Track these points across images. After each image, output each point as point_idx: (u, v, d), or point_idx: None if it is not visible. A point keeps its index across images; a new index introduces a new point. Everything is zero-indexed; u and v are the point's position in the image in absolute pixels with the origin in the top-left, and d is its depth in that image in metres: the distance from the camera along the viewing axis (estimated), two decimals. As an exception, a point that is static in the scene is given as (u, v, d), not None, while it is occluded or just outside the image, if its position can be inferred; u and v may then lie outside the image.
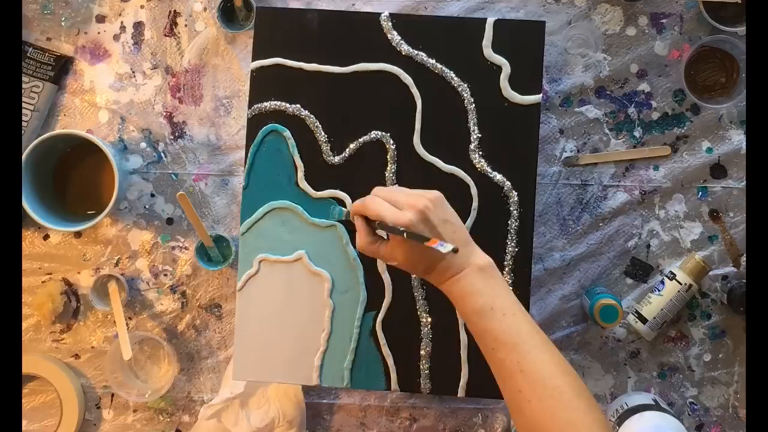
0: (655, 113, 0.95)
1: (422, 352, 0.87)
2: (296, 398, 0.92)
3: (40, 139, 0.88)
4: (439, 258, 0.67)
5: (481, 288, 0.66)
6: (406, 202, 0.67)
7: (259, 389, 0.92)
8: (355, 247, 0.86)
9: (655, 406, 0.88)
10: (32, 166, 0.89)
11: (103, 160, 0.89)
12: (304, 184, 0.87)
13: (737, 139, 0.94)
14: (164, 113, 0.96)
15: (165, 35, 0.96)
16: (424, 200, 0.67)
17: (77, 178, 0.95)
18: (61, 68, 0.95)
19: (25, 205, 0.87)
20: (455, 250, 0.62)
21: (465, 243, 0.68)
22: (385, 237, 0.73)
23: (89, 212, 0.93)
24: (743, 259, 0.94)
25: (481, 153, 0.87)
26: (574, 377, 0.64)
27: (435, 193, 0.69)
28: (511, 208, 0.87)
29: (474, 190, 0.87)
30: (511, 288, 0.70)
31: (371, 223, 0.72)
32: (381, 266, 0.87)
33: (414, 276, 0.87)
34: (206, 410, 0.91)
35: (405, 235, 0.65)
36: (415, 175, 0.87)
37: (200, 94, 0.96)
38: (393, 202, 0.68)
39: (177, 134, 0.96)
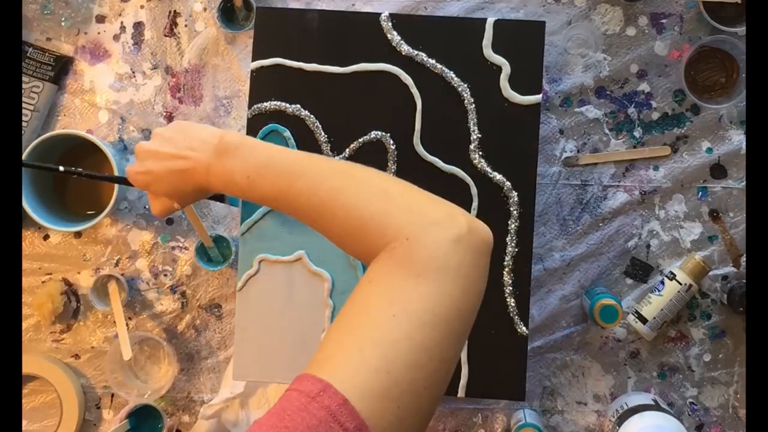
0: (655, 113, 0.95)
1: (422, 352, 0.87)
2: (296, 398, 0.92)
3: (40, 139, 0.88)
4: (182, 174, 0.66)
5: (243, 155, 0.61)
6: (136, 151, 0.69)
7: (259, 389, 0.92)
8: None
9: (655, 407, 0.88)
10: (32, 166, 0.89)
11: (103, 160, 0.89)
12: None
13: (737, 139, 0.94)
14: (164, 113, 0.96)
15: (165, 35, 0.96)
16: (146, 143, 0.69)
17: (77, 178, 0.95)
18: (61, 68, 0.95)
19: (25, 205, 0.87)
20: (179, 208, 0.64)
21: (203, 141, 0.65)
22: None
23: (89, 212, 0.93)
24: (743, 259, 0.94)
25: (481, 153, 0.87)
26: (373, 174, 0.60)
27: (171, 125, 0.69)
28: (511, 208, 0.87)
29: (474, 190, 0.87)
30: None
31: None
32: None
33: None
34: (206, 410, 0.91)
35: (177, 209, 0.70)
36: (415, 175, 0.87)
37: (200, 94, 0.96)
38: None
39: (177, 134, 0.96)
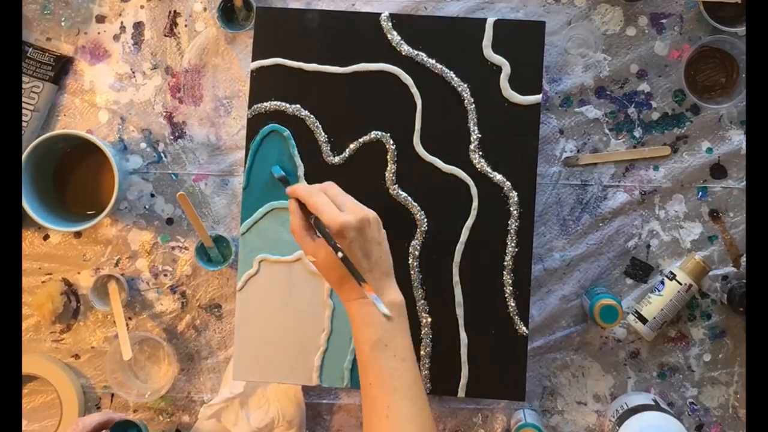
0: (655, 113, 0.95)
1: (422, 352, 0.87)
2: (296, 398, 0.92)
3: (40, 139, 0.88)
4: (351, 279, 0.67)
5: (384, 322, 0.66)
6: (351, 207, 0.68)
7: (259, 389, 0.92)
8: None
9: (655, 407, 0.88)
10: (32, 166, 0.89)
11: (103, 160, 0.89)
12: (304, 184, 0.87)
13: (737, 139, 0.94)
14: (164, 113, 0.96)
15: (165, 35, 0.96)
16: (368, 213, 0.68)
17: (77, 178, 0.95)
18: (61, 68, 0.95)
19: (25, 205, 0.87)
20: (388, 317, 0.63)
21: (386, 273, 0.69)
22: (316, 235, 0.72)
23: (89, 212, 0.93)
24: (743, 259, 0.94)
25: (481, 153, 0.87)
26: None
27: (375, 214, 0.69)
28: (511, 209, 0.87)
29: (474, 190, 0.87)
30: (409, 334, 0.69)
31: (305, 211, 0.71)
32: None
33: (414, 276, 0.87)
34: (206, 410, 0.91)
35: (339, 255, 0.66)
36: (415, 175, 0.87)
37: (200, 94, 0.96)
38: (338, 204, 0.68)
39: (177, 134, 0.96)
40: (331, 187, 0.71)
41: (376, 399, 0.65)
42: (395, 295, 0.68)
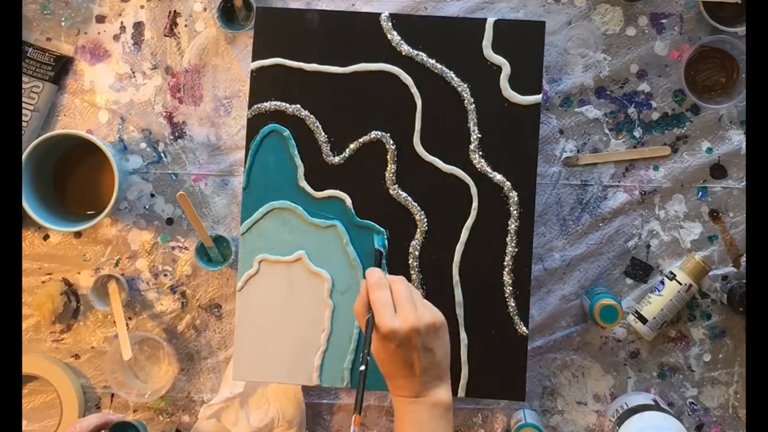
0: (655, 113, 0.95)
1: (422, 352, 0.87)
2: (296, 398, 0.92)
3: (40, 139, 0.88)
4: (401, 377, 0.66)
5: (428, 422, 0.66)
6: (405, 311, 0.65)
7: (259, 389, 0.92)
8: (355, 249, 0.87)
9: (655, 407, 0.88)
10: (32, 166, 0.89)
11: (103, 160, 0.89)
12: (303, 184, 0.87)
13: (737, 139, 0.94)
14: (164, 113, 0.96)
15: (165, 35, 0.96)
16: (420, 321, 0.65)
17: (77, 178, 0.95)
18: (61, 68, 0.95)
19: (25, 205, 0.87)
20: None
21: (436, 377, 0.67)
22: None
23: (89, 212, 0.93)
24: (743, 259, 0.94)
25: (481, 153, 0.87)
26: None
27: (438, 319, 0.67)
28: (511, 209, 0.87)
29: (474, 190, 0.87)
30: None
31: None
32: (381, 267, 0.87)
33: (414, 276, 0.87)
34: (206, 410, 0.91)
35: (361, 368, 0.64)
36: (415, 176, 0.87)
37: (200, 94, 0.96)
38: (398, 302, 0.66)
39: (177, 134, 0.96)
40: (398, 283, 0.69)
41: None
42: (445, 395, 0.67)
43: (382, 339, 0.65)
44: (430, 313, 0.67)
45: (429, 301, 0.68)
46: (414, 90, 0.87)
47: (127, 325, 0.93)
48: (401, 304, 0.66)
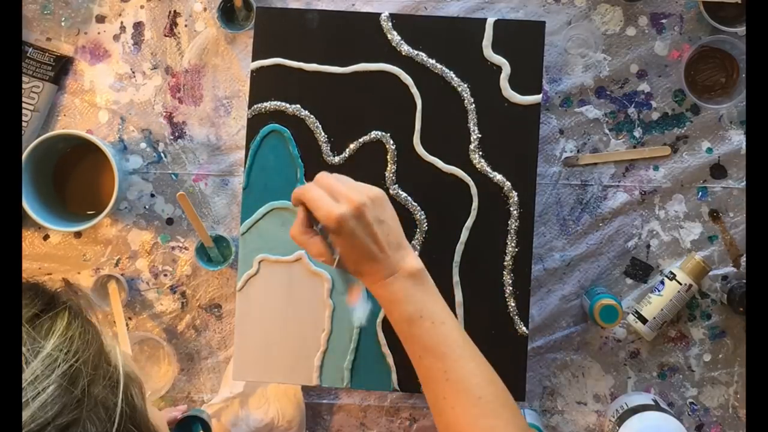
0: (655, 113, 0.95)
1: (422, 352, 0.87)
2: (296, 398, 0.92)
3: (40, 139, 0.88)
4: (369, 260, 0.65)
5: (411, 294, 0.65)
6: (346, 195, 0.64)
7: (259, 389, 0.92)
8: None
9: (655, 407, 0.88)
10: (32, 166, 0.89)
11: (103, 160, 0.89)
12: (304, 184, 0.87)
13: (737, 139, 0.94)
14: (164, 113, 0.96)
15: (165, 35, 0.96)
16: (363, 196, 0.64)
17: (77, 178, 0.95)
18: (61, 68, 0.95)
19: (25, 205, 0.87)
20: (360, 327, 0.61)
21: (398, 246, 0.66)
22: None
23: (89, 212, 0.93)
24: (743, 259, 0.94)
25: (481, 153, 0.87)
26: (499, 387, 0.65)
27: (376, 191, 0.67)
28: (511, 209, 0.87)
29: (474, 190, 0.87)
30: (439, 295, 0.68)
31: (312, 217, 0.68)
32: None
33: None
34: (206, 410, 0.91)
35: (335, 263, 0.65)
36: (415, 175, 0.87)
37: (200, 94, 0.96)
38: (333, 193, 0.65)
39: (177, 134, 0.96)
40: (323, 177, 0.67)
41: (431, 368, 0.64)
42: (413, 263, 0.66)
43: (336, 232, 0.64)
44: (366, 188, 0.67)
45: None
46: (414, 90, 0.87)
47: (127, 325, 0.93)
48: (337, 190, 0.65)
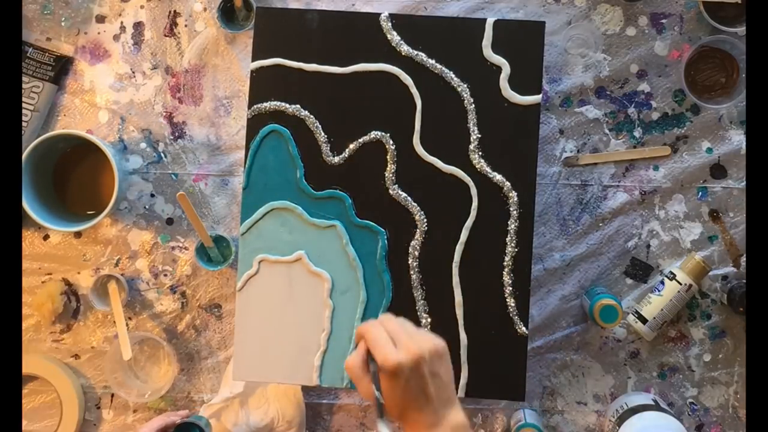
0: (655, 113, 0.95)
1: (422, 352, 0.87)
2: (296, 398, 0.92)
3: (40, 139, 0.88)
4: (415, 410, 0.65)
5: None
6: (406, 344, 0.64)
7: (259, 389, 0.92)
8: (354, 249, 0.87)
9: (655, 407, 0.88)
10: (32, 166, 0.89)
11: (103, 160, 0.89)
12: (303, 184, 0.87)
13: (737, 139, 0.94)
14: (164, 113, 0.96)
15: (165, 35, 0.96)
16: (423, 349, 0.64)
17: (77, 178, 0.95)
18: (61, 68, 0.95)
19: (25, 205, 0.87)
20: None
21: (447, 401, 0.66)
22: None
23: (89, 212, 0.94)
24: (743, 259, 0.94)
25: (481, 153, 0.87)
26: None
27: (437, 343, 0.66)
28: (511, 209, 0.87)
29: (474, 191, 0.87)
30: None
31: (370, 355, 0.66)
32: (380, 267, 0.87)
33: (413, 276, 0.87)
34: (206, 410, 0.91)
35: (377, 407, 0.63)
36: (415, 176, 0.87)
37: (200, 94, 0.96)
38: (395, 338, 0.65)
39: (177, 134, 0.96)
40: (388, 320, 0.67)
41: None
42: (459, 417, 0.66)
43: (390, 377, 0.64)
44: (429, 340, 0.66)
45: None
46: (414, 90, 0.87)
47: (127, 325, 0.93)
48: (399, 338, 0.65)
